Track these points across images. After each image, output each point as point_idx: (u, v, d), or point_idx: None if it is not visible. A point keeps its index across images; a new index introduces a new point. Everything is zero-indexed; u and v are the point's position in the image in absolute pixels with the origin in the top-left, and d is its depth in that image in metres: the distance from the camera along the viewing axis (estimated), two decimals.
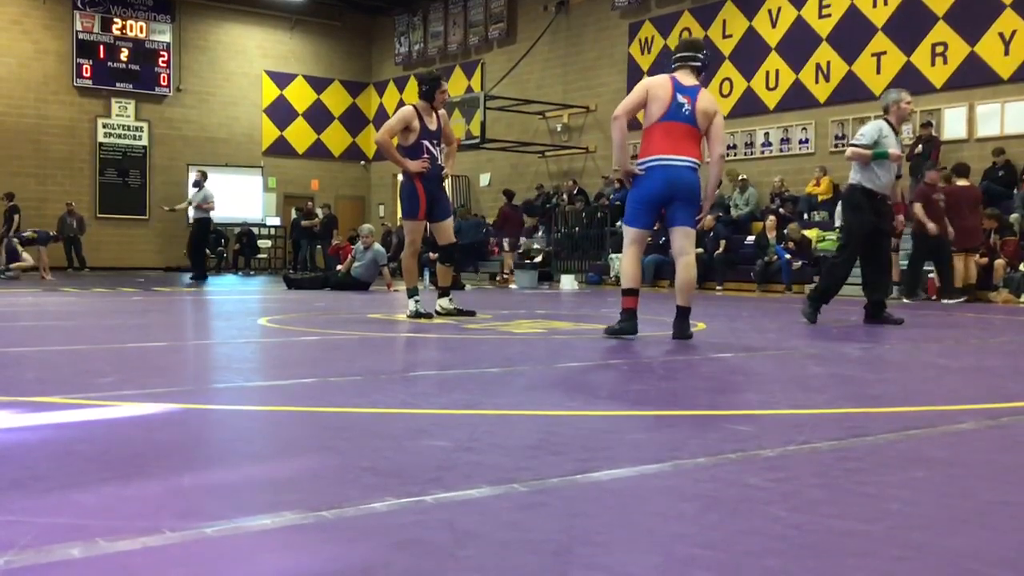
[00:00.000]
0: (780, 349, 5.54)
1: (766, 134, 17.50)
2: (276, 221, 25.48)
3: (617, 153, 5.94)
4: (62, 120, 23.46)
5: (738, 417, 3.00)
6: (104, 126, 24.01)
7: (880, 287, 7.42)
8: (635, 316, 5.72)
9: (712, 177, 5.96)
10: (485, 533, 1.68)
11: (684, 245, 5.81)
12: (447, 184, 7.66)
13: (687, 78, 5.83)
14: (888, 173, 7.26)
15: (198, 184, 16.54)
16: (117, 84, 24.03)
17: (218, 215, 23.69)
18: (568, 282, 16.36)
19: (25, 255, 16.92)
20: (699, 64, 5.91)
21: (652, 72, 5.21)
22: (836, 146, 16.35)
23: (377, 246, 13.53)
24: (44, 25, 23.26)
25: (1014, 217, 12.99)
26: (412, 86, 24.36)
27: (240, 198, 24.54)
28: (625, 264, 5.86)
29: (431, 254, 11.22)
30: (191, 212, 17.18)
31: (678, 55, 5.95)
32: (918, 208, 11.74)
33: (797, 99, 16.95)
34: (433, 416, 2.96)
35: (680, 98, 5.69)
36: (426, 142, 7.26)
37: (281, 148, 26.37)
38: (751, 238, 16.18)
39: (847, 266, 7.47)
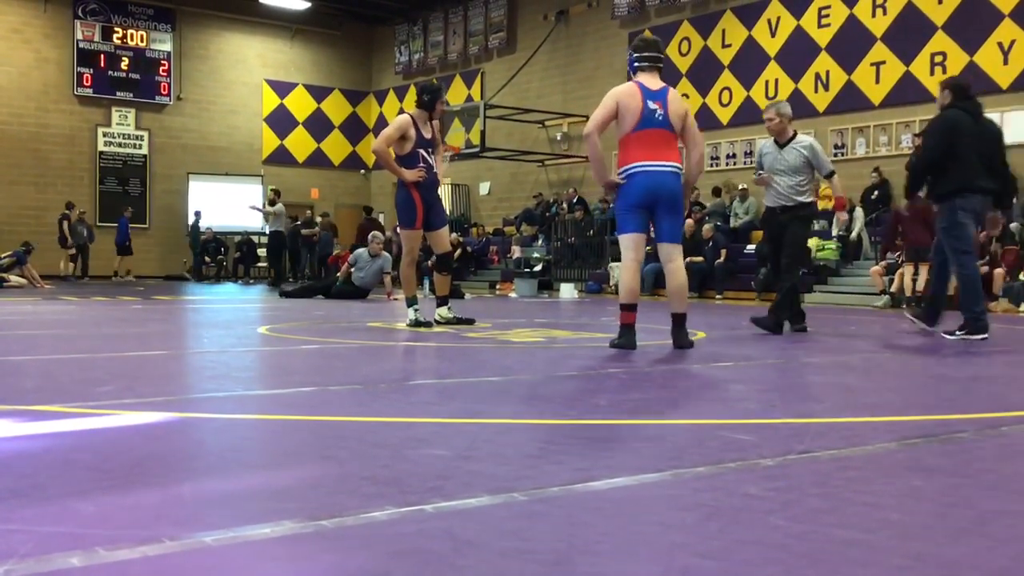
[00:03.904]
0: (780, 358, 5.54)
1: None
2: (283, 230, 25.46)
3: (596, 169, 5.90)
4: (62, 129, 23.49)
5: (738, 426, 3.00)
6: (104, 135, 24.04)
7: (778, 288, 7.55)
8: (633, 331, 5.67)
9: (692, 176, 5.93)
10: (485, 542, 1.68)
11: (671, 253, 5.81)
12: (443, 192, 7.67)
13: (653, 81, 5.74)
14: (777, 185, 7.36)
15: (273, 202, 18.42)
16: (117, 93, 24.07)
17: (218, 224, 23.84)
18: (567, 291, 16.36)
19: (13, 278, 16.85)
20: (662, 65, 5.89)
21: None
22: (835, 155, 16.36)
23: (385, 254, 13.56)
24: (45, 34, 23.31)
25: (1014, 226, 13.00)
26: (412, 95, 24.40)
27: (240, 207, 24.57)
28: (625, 278, 5.79)
29: (430, 263, 11.22)
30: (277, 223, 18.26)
31: (642, 55, 5.84)
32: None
33: (796, 108, 16.83)
34: (432, 425, 2.96)
35: (651, 104, 5.63)
36: (422, 151, 7.25)
37: (281, 157, 26.41)
38: (751, 247, 16.19)
39: (773, 277, 7.76)
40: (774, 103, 7.73)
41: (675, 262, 5.80)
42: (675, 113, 5.68)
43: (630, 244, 5.76)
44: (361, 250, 13.62)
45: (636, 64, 5.85)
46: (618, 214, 5.85)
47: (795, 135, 7.51)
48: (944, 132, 6.78)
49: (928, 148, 6.95)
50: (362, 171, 27.77)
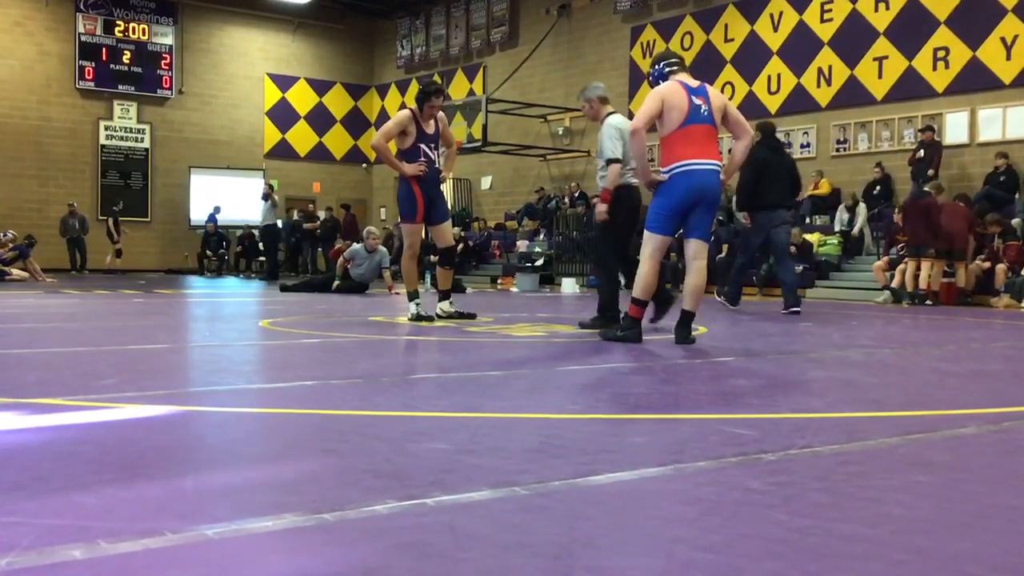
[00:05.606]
0: (781, 353, 5.54)
1: None
2: (278, 224, 25.50)
3: (641, 165, 5.88)
4: (64, 122, 23.48)
5: (739, 421, 3.00)
6: (106, 128, 24.02)
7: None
8: (640, 325, 5.76)
9: (736, 164, 6.11)
10: (486, 536, 1.68)
11: (699, 250, 5.84)
12: (446, 187, 7.61)
13: (690, 79, 5.85)
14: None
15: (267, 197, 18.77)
16: (119, 86, 24.04)
17: (219, 218, 23.85)
18: (569, 285, 16.36)
19: (15, 271, 16.86)
20: (687, 67, 6.07)
21: None
22: (837, 150, 16.37)
23: (382, 248, 13.56)
24: (47, 27, 23.28)
25: (1015, 222, 12.98)
26: (414, 89, 24.39)
27: (242, 201, 24.57)
28: (646, 275, 5.80)
29: (432, 257, 11.25)
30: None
31: (669, 60, 5.97)
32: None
33: (799, 103, 16.95)
34: (434, 419, 2.96)
35: (695, 100, 5.70)
36: (423, 145, 7.24)
37: (283, 151, 26.38)
38: None
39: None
40: (583, 89, 7.19)
41: (701, 260, 5.84)
42: (717, 108, 5.77)
43: (659, 245, 5.80)
44: (358, 246, 13.60)
45: (667, 69, 5.92)
46: (654, 212, 5.81)
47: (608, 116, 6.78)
48: (753, 166, 9.35)
49: (743, 178, 9.69)
50: (364, 165, 27.74)
